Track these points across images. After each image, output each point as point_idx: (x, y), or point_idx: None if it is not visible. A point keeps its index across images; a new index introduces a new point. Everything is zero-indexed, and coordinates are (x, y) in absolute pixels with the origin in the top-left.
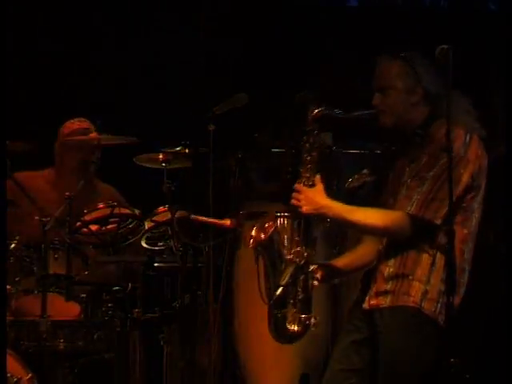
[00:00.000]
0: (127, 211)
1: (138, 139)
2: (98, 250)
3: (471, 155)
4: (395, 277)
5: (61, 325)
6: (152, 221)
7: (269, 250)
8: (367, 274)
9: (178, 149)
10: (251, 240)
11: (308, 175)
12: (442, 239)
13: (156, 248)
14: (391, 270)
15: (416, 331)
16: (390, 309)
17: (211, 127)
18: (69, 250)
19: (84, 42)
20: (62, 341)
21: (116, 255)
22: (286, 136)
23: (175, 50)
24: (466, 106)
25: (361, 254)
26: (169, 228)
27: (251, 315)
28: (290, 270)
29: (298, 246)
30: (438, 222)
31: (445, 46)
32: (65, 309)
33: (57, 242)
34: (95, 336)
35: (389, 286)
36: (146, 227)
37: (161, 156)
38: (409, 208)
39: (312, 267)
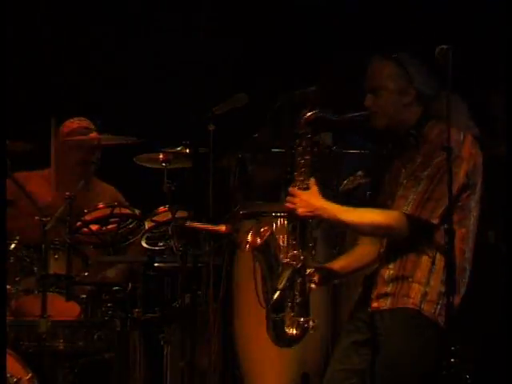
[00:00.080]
0: (127, 211)
1: (138, 139)
2: (99, 250)
3: (465, 154)
4: (395, 279)
5: (61, 325)
6: (152, 221)
7: (265, 254)
8: (368, 277)
9: (178, 149)
10: (247, 245)
11: (302, 178)
12: (441, 240)
13: (156, 248)
14: (391, 272)
15: (416, 333)
16: (389, 311)
17: (211, 127)
18: (69, 250)
19: (84, 41)
20: (62, 341)
21: (116, 255)
22: (285, 136)
23: (175, 50)
24: (458, 105)
25: (358, 255)
26: (169, 228)
27: (251, 315)
28: (286, 273)
29: (294, 250)
30: (435, 221)
31: (445, 46)
32: (65, 309)
33: (57, 242)
34: (95, 336)
35: (389, 289)
36: (146, 227)
37: (161, 156)
38: (405, 208)
39: (309, 270)
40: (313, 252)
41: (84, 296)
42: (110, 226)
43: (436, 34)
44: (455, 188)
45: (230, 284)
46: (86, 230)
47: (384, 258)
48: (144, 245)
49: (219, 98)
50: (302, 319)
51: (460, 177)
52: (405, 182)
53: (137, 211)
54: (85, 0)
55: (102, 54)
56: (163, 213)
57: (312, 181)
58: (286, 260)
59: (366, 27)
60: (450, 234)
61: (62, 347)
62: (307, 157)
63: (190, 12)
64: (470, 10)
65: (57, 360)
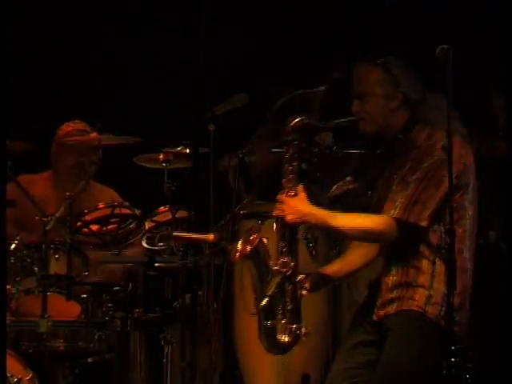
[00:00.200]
0: (128, 211)
1: (138, 139)
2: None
3: (454, 156)
4: (399, 285)
5: (61, 325)
6: (152, 221)
7: (255, 261)
8: (373, 285)
9: (178, 149)
10: (236, 253)
11: (290, 185)
12: (437, 241)
13: (156, 248)
14: (394, 278)
15: (419, 334)
16: (395, 313)
17: (211, 127)
18: (69, 250)
19: (84, 41)
20: (62, 341)
21: (117, 255)
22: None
23: (175, 50)
24: (443, 107)
25: (350, 259)
26: (169, 228)
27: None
28: (275, 280)
29: (284, 257)
30: (424, 223)
31: (445, 46)
32: (65, 309)
33: (57, 242)
34: (96, 336)
35: (394, 294)
36: (147, 227)
37: (161, 156)
38: (392, 211)
39: (300, 277)
40: (313, 252)
41: (84, 296)
42: (110, 226)
43: (436, 33)
44: (442, 190)
45: (230, 284)
46: (86, 230)
47: (386, 266)
48: (144, 245)
49: (219, 98)
50: (293, 326)
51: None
52: (394, 187)
53: (137, 211)
54: (85, 0)
55: (102, 54)
56: (163, 213)
57: (300, 187)
58: (275, 267)
59: (366, 27)
60: (451, 234)
61: (62, 347)
62: (295, 163)
63: (189, 12)
64: (469, 10)
65: (57, 360)
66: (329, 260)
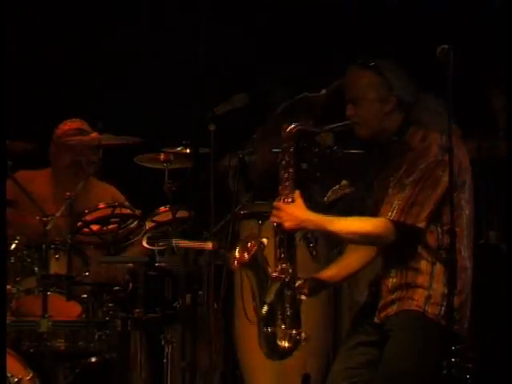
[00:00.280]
0: (128, 211)
1: (138, 139)
2: (99, 250)
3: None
4: (399, 287)
5: (62, 325)
6: (153, 221)
7: (253, 268)
8: (374, 285)
9: (178, 149)
10: (234, 261)
11: (287, 192)
12: (435, 242)
13: (157, 248)
14: (394, 281)
15: (420, 334)
16: (396, 314)
17: (212, 127)
18: (70, 250)
19: (84, 41)
20: (62, 341)
21: (117, 255)
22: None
23: (175, 50)
24: (438, 109)
25: (346, 263)
26: (170, 228)
27: (248, 309)
28: (275, 287)
29: (283, 263)
30: (421, 225)
31: (445, 46)
32: (66, 309)
33: (58, 242)
34: (96, 336)
35: (394, 296)
36: (147, 227)
37: (162, 156)
38: (389, 214)
39: (299, 282)
40: (314, 252)
41: (85, 296)
42: (110, 226)
43: (436, 33)
44: (439, 191)
45: (230, 284)
46: (86, 230)
47: (385, 268)
48: (145, 245)
49: (219, 98)
50: (293, 331)
51: (445, 179)
52: (390, 189)
53: (137, 211)
54: (85, 0)
55: (102, 54)
56: (164, 213)
57: (297, 193)
58: (274, 274)
59: (366, 27)
60: (452, 235)
61: (62, 347)
62: (291, 170)
63: (189, 12)
64: (469, 10)
65: (58, 360)
66: (329, 260)
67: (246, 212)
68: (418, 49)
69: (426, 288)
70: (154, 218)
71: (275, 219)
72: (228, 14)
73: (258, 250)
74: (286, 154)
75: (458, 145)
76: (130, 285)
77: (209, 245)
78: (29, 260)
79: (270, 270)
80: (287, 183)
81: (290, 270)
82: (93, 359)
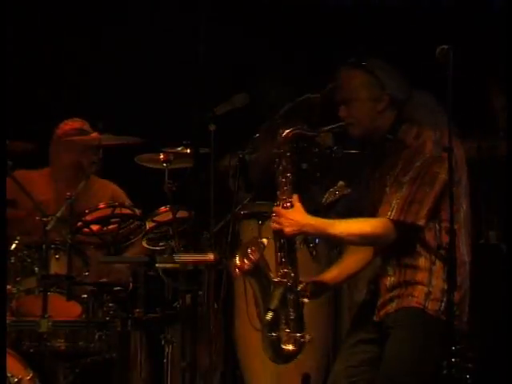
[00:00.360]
0: (128, 211)
1: (138, 139)
2: (99, 250)
3: (445, 153)
4: (398, 285)
5: (62, 325)
6: (153, 221)
7: (256, 276)
8: (372, 283)
9: (179, 149)
10: (236, 270)
11: (285, 197)
12: (433, 239)
13: (157, 248)
14: (392, 279)
15: (420, 330)
16: (396, 311)
17: (212, 127)
18: (70, 250)
19: (84, 41)
20: (63, 341)
21: (117, 255)
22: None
23: (175, 50)
24: (431, 106)
25: (346, 265)
26: (170, 228)
27: (252, 315)
28: (278, 292)
29: (284, 268)
30: (421, 223)
31: (445, 46)
32: (66, 309)
33: (58, 242)
34: (96, 336)
35: (393, 294)
36: (147, 227)
37: (162, 156)
38: (389, 214)
39: (301, 286)
40: (314, 253)
41: (85, 296)
42: (110, 226)
43: (436, 33)
44: (437, 187)
45: (230, 284)
46: (86, 230)
47: (383, 267)
48: (145, 245)
49: (219, 98)
50: (298, 335)
51: (442, 176)
52: (387, 188)
53: (137, 211)
54: (85, 0)
55: (102, 54)
56: (164, 213)
57: (295, 197)
58: (276, 279)
59: (365, 27)
60: (452, 234)
61: (63, 347)
62: (288, 175)
63: (189, 12)
64: (470, 10)
65: (58, 360)
66: (329, 261)
67: (246, 212)
68: (418, 49)
69: (425, 284)
70: (155, 218)
71: (276, 225)
72: (228, 13)
73: (259, 257)
74: (283, 158)
75: (455, 142)
76: (131, 285)
77: (210, 256)
78: (29, 260)
79: (271, 275)
80: (285, 188)
81: (292, 274)
82: (93, 359)
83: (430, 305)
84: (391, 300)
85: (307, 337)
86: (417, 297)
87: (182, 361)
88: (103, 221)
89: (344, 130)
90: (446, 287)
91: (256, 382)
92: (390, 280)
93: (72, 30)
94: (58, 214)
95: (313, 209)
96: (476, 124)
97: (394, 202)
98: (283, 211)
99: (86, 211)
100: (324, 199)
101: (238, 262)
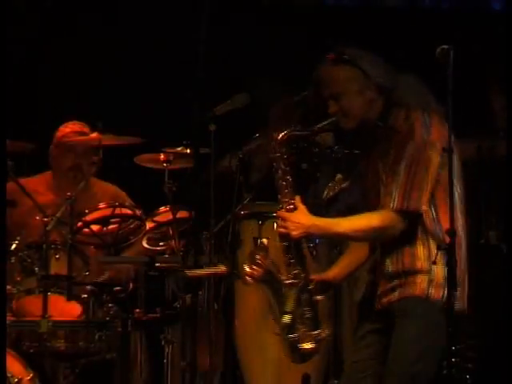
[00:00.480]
0: (128, 211)
1: (138, 139)
2: (99, 250)
3: (435, 135)
4: (397, 274)
5: (62, 325)
6: (153, 221)
7: (268, 281)
8: (372, 272)
9: (179, 149)
10: (246, 277)
11: (287, 199)
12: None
13: (157, 248)
14: (390, 269)
15: (425, 319)
16: (398, 301)
17: (212, 127)
18: (70, 250)
19: (84, 42)
20: (63, 341)
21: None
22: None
23: (175, 50)
24: (415, 86)
25: (346, 263)
26: (170, 228)
27: (252, 315)
28: (292, 294)
29: (294, 269)
30: (424, 208)
31: (445, 46)
32: (66, 309)
33: (58, 243)
34: (96, 336)
35: (394, 283)
36: (147, 227)
37: (162, 156)
38: (391, 204)
39: (311, 284)
40: (314, 252)
41: (85, 296)
42: (111, 227)
43: (436, 33)
44: (432, 170)
45: (230, 284)
46: (87, 230)
47: (381, 256)
48: (145, 245)
49: (219, 98)
50: (315, 332)
51: (435, 158)
52: (384, 178)
53: (138, 211)
54: (85, 0)
55: (102, 54)
56: (164, 213)
57: (297, 199)
58: (288, 281)
59: (366, 27)
60: (452, 234)
61: (63, 347)
62: (288, 177)
63: (190, 11)
64: (470, 11)
65: (58, 360)
66: (330, 260)
67: (246, 212)
68: (417, 49)
69: (426, 272)
70: (155, 219)
71: (282, 230)
72: (228, 14)
73: (269, 262)
74: (281, 162)
75: (442, 125)
76: (131, 285)
77: (222, 268)
78: (29, 260)
79: (282, 277)
80: (286, 190)
81: (303, 274)
82: (93, 359)
83: (433, 291)
84: (393, 289)
85: (323, 333)
86: (419, 284)
87: (182, 361)
88: (103, 221)
89: (337, 125)
90: (447, 274)
91: (256, 382)
92: (388, 269)
93: (72, 30)
94: (59, 214)
95: (314, 207)
96: (476, 124)
97: (394, 191)
98: (287, 215)
99: (86, 211)
100: (324, 195)
101: (248, 269)
